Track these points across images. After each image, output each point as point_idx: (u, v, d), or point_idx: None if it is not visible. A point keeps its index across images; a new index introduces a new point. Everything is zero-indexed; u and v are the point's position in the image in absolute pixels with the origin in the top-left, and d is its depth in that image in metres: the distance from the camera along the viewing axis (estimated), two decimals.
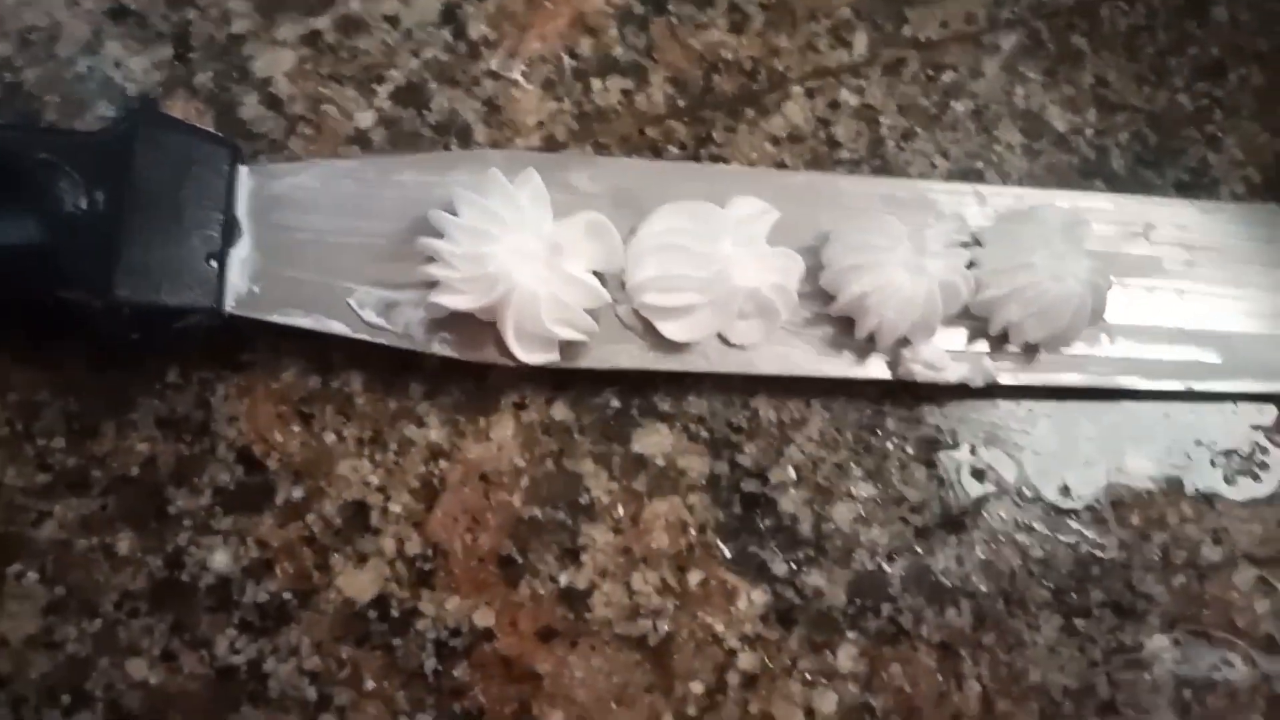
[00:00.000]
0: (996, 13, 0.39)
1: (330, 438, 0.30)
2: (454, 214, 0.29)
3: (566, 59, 0.36)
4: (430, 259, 0.29)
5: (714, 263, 0.30)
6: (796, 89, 0.36)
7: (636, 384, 0.32)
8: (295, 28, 0.35)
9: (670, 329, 0.30)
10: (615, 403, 0.32)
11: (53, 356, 0.30)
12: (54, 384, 0.30)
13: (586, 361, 0.30)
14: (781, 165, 0.35)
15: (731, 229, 0.31)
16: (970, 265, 0.32)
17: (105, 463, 0.29)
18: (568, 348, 0.30)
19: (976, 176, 0.36)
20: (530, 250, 0.29)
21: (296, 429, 0.30)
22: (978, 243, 0.33)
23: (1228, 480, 0.34)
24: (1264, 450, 0.34)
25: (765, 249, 0.31)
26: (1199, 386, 0.34)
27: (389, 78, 0.34)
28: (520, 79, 0.35)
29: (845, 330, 0.32)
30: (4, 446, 0.29)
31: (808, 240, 0.32)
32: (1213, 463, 0.34)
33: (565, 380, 0.31)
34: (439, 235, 0.29)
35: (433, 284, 0.29)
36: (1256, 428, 0.34)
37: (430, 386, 0.31)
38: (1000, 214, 0.34)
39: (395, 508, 0.30)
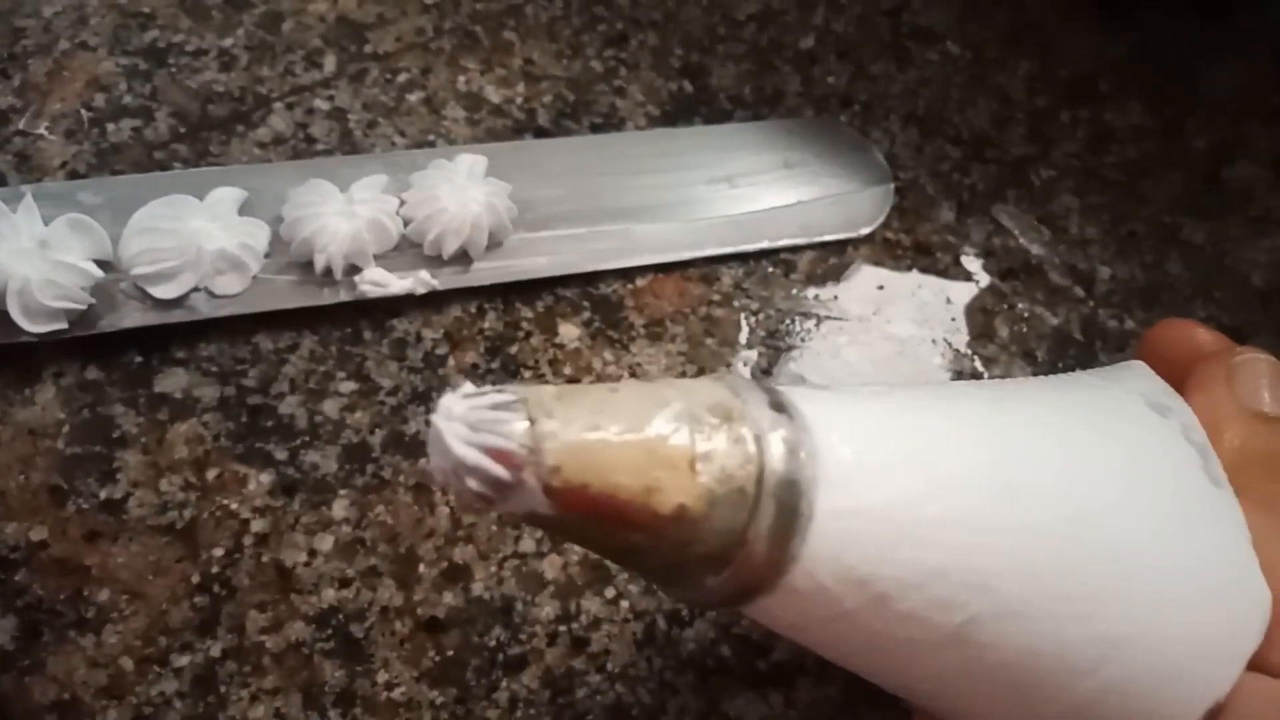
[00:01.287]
0: (440, 23, 0.50)
1: None
2: None
3: (84, 111, 0.45)
4: None
5: (186, 234, 0.40)
6: (279, 105, 0.47)
7: (154, 341, 0.41)
8: None
9: (160, 290, 0.40)
10: (138, 358, 0.41)
11: None
12: None
13: (99, 328, 0.39)
14: (268, 162, 0.45)
15: (202, 209, 0.41)
16: (401, 203, 0.43)
17: None
18: (82, 320, 0.39)
19: (430, 146, 0.47)
20: (22, 249, 0.38)
21: None
22: (409, 184, 0.43)
23: (642, 329, 0.45)
24: (670, 303, 0.46)
25: (234, 220, 0.41)
26: (607, 266, 0.45)
27: None
28: (45, 133, 0.44)
29: (308, 269, 0.42)
30: None
31: (279, 211, 0.42)
32: (628, 320, 0.45)
33: (94, 349, 0.40)
34: None
35: None
36: (661, 289, 0.46)
37: None
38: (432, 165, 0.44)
39: None
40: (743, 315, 0.46)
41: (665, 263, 0.46)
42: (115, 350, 0.40)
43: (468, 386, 0.20)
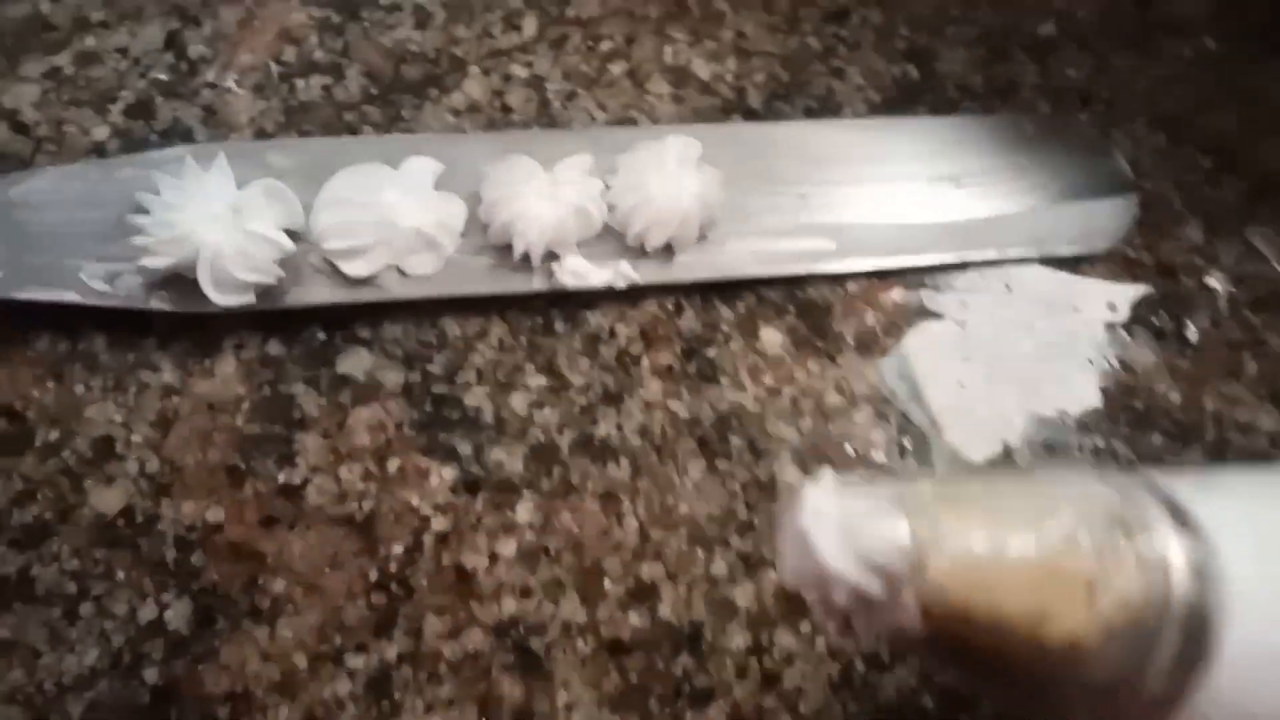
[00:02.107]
0: None
1: (80, 389, 0.37)
2: (158, 194, 0.36)
3: (273, 65, 0.43)
4: (137, 232, 0.36)
5: (381, 208, 0.37)
6: (474, 69, 0.44)
7: (338, 318, 0.38)
8: (38, 65, 0.41)
9: (350, 267, 0.37)
10: (321, 336, 0.38)
11: None
12: None
13: (285, 302, 0.37)
14: (461, 131, 0.42)
15: (398, 181, 0.38)
16: (606, 189, 0.39)
17: None
18: (268, 293, 0.37)
19: (631, 124, 0.43)
20: (216, 214, 0.35)
21: (51, 386, 0.37)
22: (613, 168, 0.40)
23: (851, 341, 0.41)
24: (878, 314, 0.41)
25: (430, 194, 0.38)
26: (816, 269, 0.41)
27: (121, 98, 0.41)
28: (234, 86, 0.42)
29: (505, 254, 0.39)
30: None
31: (475, 187, 0.39)
32: (836, 329, 0.41)
33: (276, 322, 0.38)
34: (145, 213, 0.36)
35: (142, 252, 0.36)
36: (872, 297, 0.42)
37: (162, 340, 0.37)
38: (634, 146, 0.41)
39: (136, 438, 0.36)
40: (962, 331, 0.41)
41: (874, 269, 0.41)
42: (298, 324, 0.38)
43: (830, 477, 0.16)
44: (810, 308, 0.41)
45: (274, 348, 0.38)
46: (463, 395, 0.38)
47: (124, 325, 0.37)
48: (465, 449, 0.37)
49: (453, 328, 0.39)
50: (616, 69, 0.44)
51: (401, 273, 0.38)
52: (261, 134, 0.41)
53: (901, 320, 0.41)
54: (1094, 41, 0.47)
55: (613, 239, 0.39)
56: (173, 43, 0.42)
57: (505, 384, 0.38)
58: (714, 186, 0.39)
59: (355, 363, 0.38)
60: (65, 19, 0.42)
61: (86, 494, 0.35)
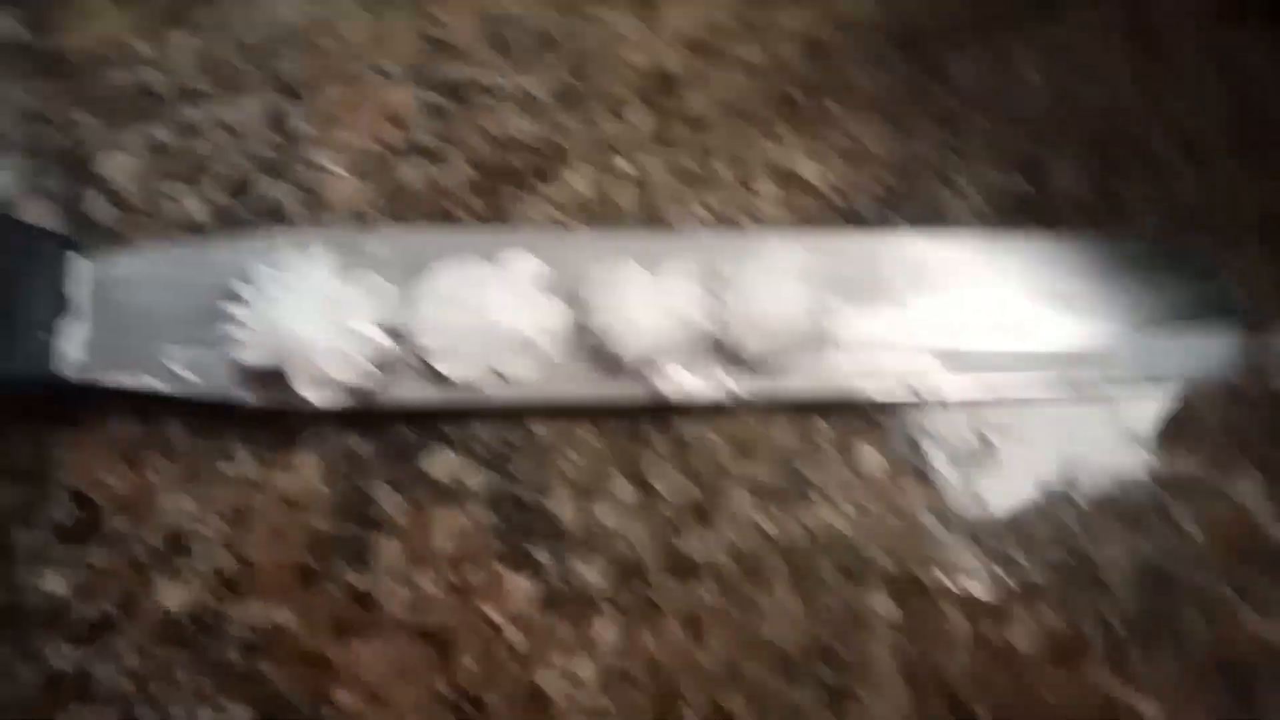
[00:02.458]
0: (761, 85, 0.45)
1: (154, 477, 0.35)
2: (251, 282, 0.35)
3: (375, 146, 0.42)
4: (229, 321, 0.34)
5: (482, 309, 0.36)
6: (579, 161, 0.42)
7: (424, 415, 0.37)
8: (137, 135, 0.41)
9: (447, 367, 0.36)
10: (405, 432, 0.37)
11: None
12: None
13: (376, 401, 0.36)
14: (563, 226, 0.41)
15: (499, 279, 0.36)
16: (711, 299, 0.37)
17: None
18: (357, 389, 0.35)
19: (736, 226, 0.42)
20: (313, 309, 0.34)
21: (124, 471, 0.35)
22: (723, 278, 0.38)
23: (955, 468, 0.39)
24: (986, 442, 0.39)
25: (531, 295, 0.37)
26: (922, 390, 0.39)
27: (219, 173, 0.40)
28: (333, 166, 0.41)
29: (603, 359, 0.37)
30: None
31: (574, 285, 0.38)
32: (940, 454, 0.39)
33: (361, 416, 0.36)
34: (239, 301, 0.35)
35: (233, 342, 0.34)
36: (979, 424, 0.39)
37: (242, 429, 0.36)
38: (744, 255, 0.39)
39: (208, 531, 0.35)
40: (1057, 461, 0.39)
41: (985, 395, 0.39)
42: (383, 418, 0.36)
43: None
44: (910, 427, 0.39)
45: (357, 443, 0.36)
46: (547, 502, 0.36)
47: (204, 411, 0.35)
48: (546, 559, 0.35)
49: (541, 430, 0.37)
50: (723, 167, 0.43)
51: (499, 375, 0.36)
52: (360, 218, 0.40)
53: (1002, 445, 0.39)
54: (1209, 155, 0.45)
55: (713, 348, 0.38)
56: (273, 117, 0.41)
57: (591, 492, 0.37)
58: (819, 298, 0.37)
59: (440, 463, 0.36)
60: (168, 87, 0.42)
61: (153, 588, 0.34)
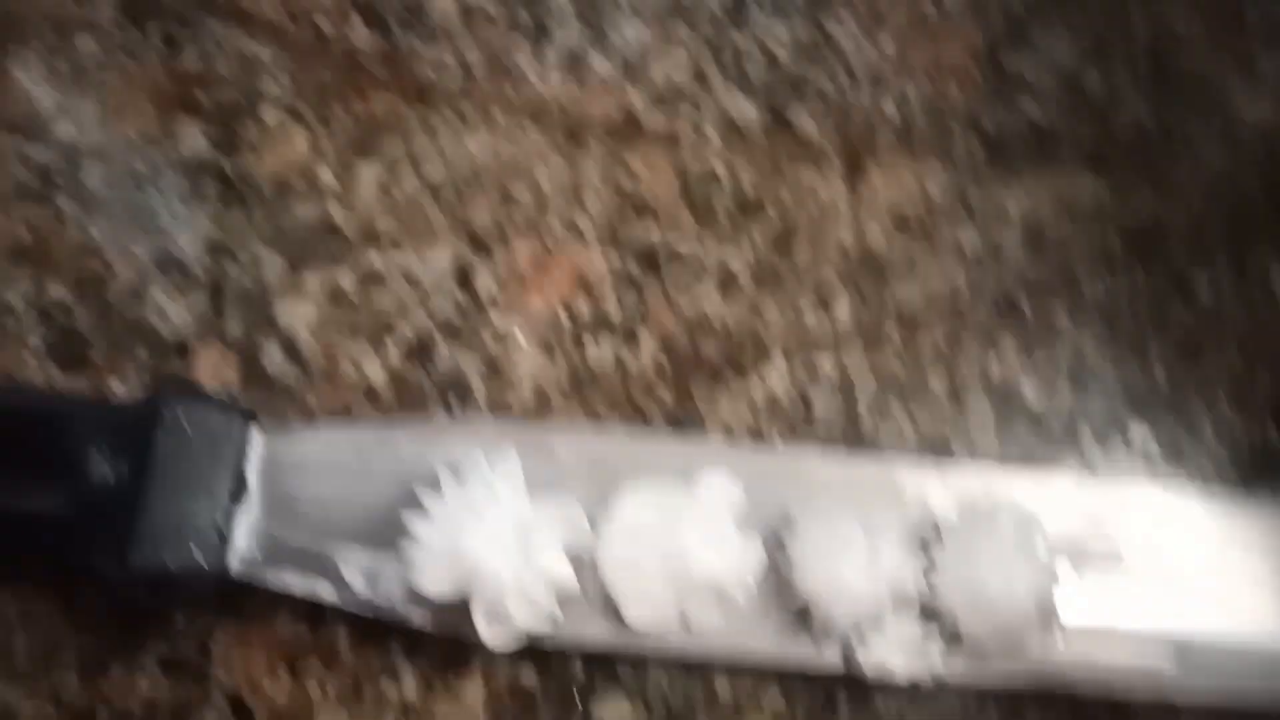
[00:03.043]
0: (980, 280, 0.41)
1: (314, 689, 0.33)
2: (437, 488, 0.32)
3: (563, 317, 0.38)
4: (410, 537, 0.32)
5: (677, 550, 0.32)
6: (778, 357, 0.39)
7: (602, 655, 0.34)
8: (319, 279, 0.38)
9: (634, 612, 0.33)
10: (579, 673, 0.34)
11: (72, 596, 0.33)
12: (72, 622, 0.33)
13: (555, 643, 0.33)
14: (758, 433, 0.37)
15: (695, 513, 0.33)
16: (927, 564, 0.34)
17: (110, 701, 0.32)
18: (537, 632, 0.32)
19: (945, 450, 0.38)
20: (502, 537, 0.31)
21: (284, 678, 0.33)
22: (937, 535, 0.35)
23: None
24: None
25: (729, 533, 0.34)
26: (1151, 693, 0.35)
27: (401, 332, 0.38)
28: (520, 337, 0.38)
29: (801, 620, 0.34)
30: (25, 681, 0.32)
31: (773, 521, 0.35)
32: None
33: (535, 647, 0.34)
34: (422, 510, 0.32)
35: (413, 565, 0.32)
36: None
37: (409, 645, 0.34)
38: (960, 504, 0.35)
39: None
40: None
41: (1227, 707, 0.35)
42: (557, 655, 0.34)
43: None
44: None
45: (527, 677, 0.34)
46: None
47: (371, 619, 0.33)
48: None
49: (724, 686, 0.34)
50: (936, 380, 0.39)
51: (684, 621, 0.33)
52: (543, 401, 0.37)
53: None
54: None
55: (925, 621, 0.34)
56: (463, 273, 0.39)
57: None
58: (1052, 574, 0.34)
59: (613, 712, 0.34)
60: (354, 228, 0.39)
61: None
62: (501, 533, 0.32)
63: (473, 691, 0.33)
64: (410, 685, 0.33)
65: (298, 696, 0.33)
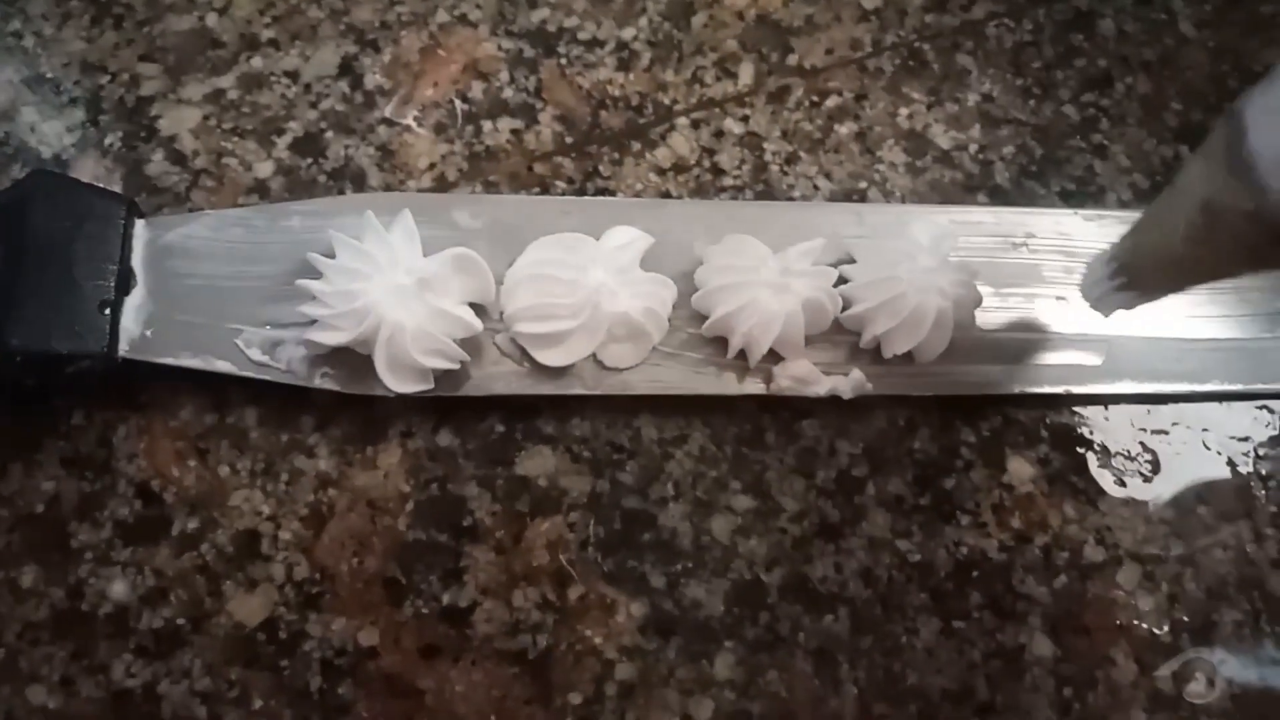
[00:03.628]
0: (881, 37, 0.40)
1: (225, 471, 0.32)
2: (332, 256, 0.31)
3: (458, 103, 0.37)
4: (309, 299, 0.30)
5: (584, 290, 0.31)
6: (682, 121, 0.38)
7: (521, 409, 0.33)
8: (200, 87, 0.37)
9: (545, 355, 0.32)
10: (500, 428, 0.33)
11: None
12: None
13: (466, 390, 0.32)
14: (666, 195, 0.36)
15: (603, 258, 0.32)
16: (840, 282, 0.33)
17: (12, 501, 0.31)
18: (446, 377, 0.31)
19: (860, 196, 0.37)
20: (400, 286, 0.30)
21: (193, 464, 0.32)
22: (852, 260, 0.34)
23: (1117, 482, 0.34)
24: (1149, 451, 0.35)
25: (638, 275, 0.32)
26: (1077, 390, 0.34)
27: (288, 129, 0.36)
28: (413, 124, 0.37)
29: (719, 349, 0.33)
30: None
31: (685, 266, 0.34)
32: (1099, 464, 0.34)
33: (451, 408, 0.33)
34: (318, 276, 0.31)
35: (312, 322, 0.30)
36: (1142, 429, 0.35)
37: (320, 419, 0.32)
38: (875, 232, 0.34)
39: (285, 535, 0.31)
40: (1250, 481, 0.34)
41: (1147, 393, 0.35)
42: (474, 413, 0.33)
43: None
44: (1067, 436, 0.35)
45: (445, 438, 0.32)
46: (657, 513, 0.32)
47: (279, 397, 0.32)
48: (658, 580, 0.32)
49: (649, 428, 0.33)
50: (844, 130, 0.38)
51: (599, 363, 0.32)
52: (442, 181, 0.36)
53: (1176, 461, 0.34)
54: None
55: (842, 339, 0.33)
56: (348, 69, 0.37)
57: (706, 503, 0.33)
58: (970, 284, 0.33)
59: (537, 464, 0.33)
60: (233, 35, 0.37)
61: (225, 599, 0.30)
62: (399, 282, 0.30)
63: (391, 457, 0.32)
64: (325, 458, 0.32)
65: (208, 479, 0.31)
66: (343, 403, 0.32)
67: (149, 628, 0.30)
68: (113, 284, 0.31)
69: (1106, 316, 0.32)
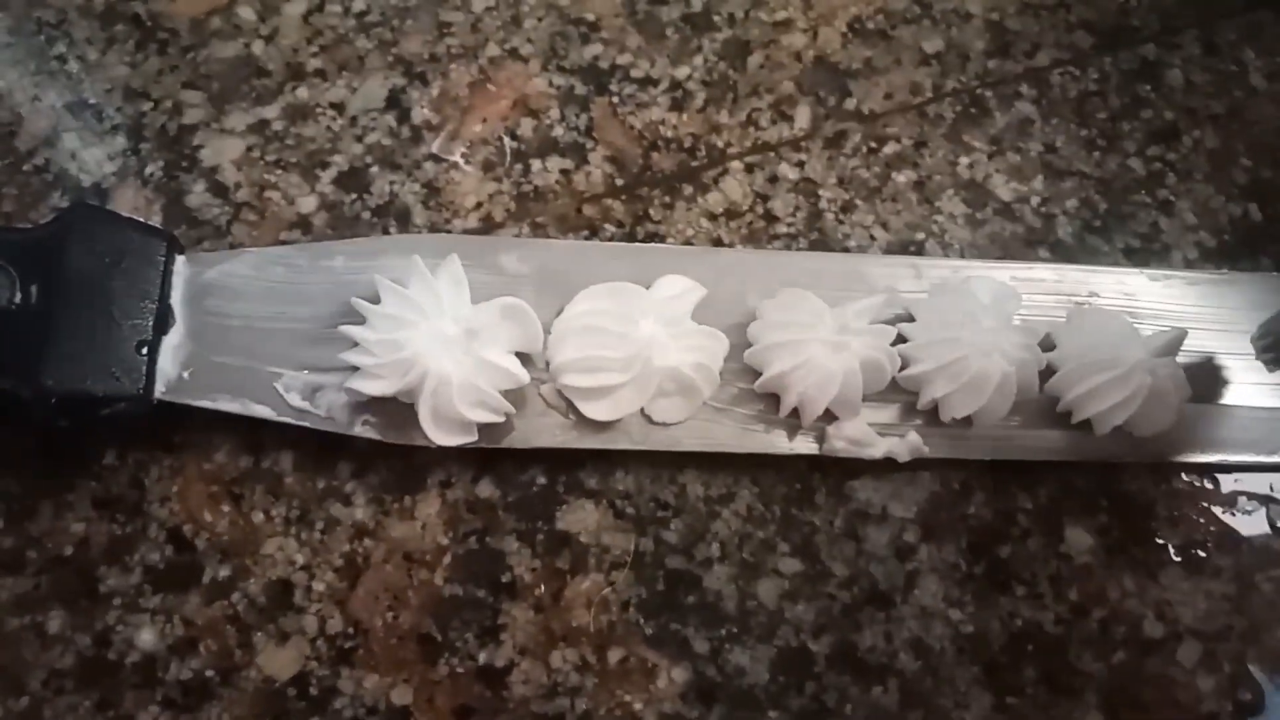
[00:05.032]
0: (942, 82, 0.39)
1: (259, 517, 0.31)
2: (376, 301, 0.30)
3: (507, 140, 0.36)
4: (351, 345, 0.30)
5: (634, 343, 0.30)
6: (735, 164, 0.37)
7: (563, 461, 0.32)
8: (244, 117, 0.36)
9: (592, 409, 0.31)
10: (541, 480, 0.32)
11: None
12: None
13: (509, 441, 0.31)
14: (718, 241, 0.35)
15: (654, 309, 0.31)
16: (899, 340, 0.32)
17: (41, 542, 0.30)
18: (490, 428, 0.30)
19: (917, 248, 0.36)
20: (446, 335, 0.29)
21: (226, 509, 0.31)
22: (910, 317, 0.33)
23: (1179, 554, 0.33)
24: (1211, 522, 0.33)
25: (689, 327, 0.31)
26: (1139, 458, 0.33)
27: (332, 163, 0.36)
28: (460, 161, 0.36)
29: (772, 407, 0.32)
30: None
31: (737, 317, 0.33)
32: (1158, 535, 0.33)
33: (492, 458, 0.32)
34: (361, 321, 0.30)
35: (354, 369, 0.29)
36: (1204, 500, 0.34)
37: (358, 466, 0.31)
38: (933, 288, 0.33)
39: (319, 586, 0.30)
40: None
41: (1212, 462, 0.33)
42: (515, 464, 0.32)
43: None
44: (1127, 504, 0.33)
45: (485, 488, 0.32)
46: (702, 574, 0.31)
47: (315, 441, 0.31)
48: (701, 645, 0.31)
49: (695, 485, 0.32)
50: (902, 178, 0.37)
51: (647, 418, 0.31)
52: (488, 221, 0.35)
53: (1240, 534, 0.33)
54: None
55: (897, 399, 0.32)
56: (395, 102, 0.36)
57: (752, 565, 0.31)
58: (1033, 350, 0.32)
59: (579, 518, 0.32)
60: (278, 64, 0.37)
61: (255, 651, 0.29)
62: (446, 330, 0.29)
63: (429, 508, 0.31)
64: (362, 506, 0.31)
65: (241, 526, 0.31)
66: (381, 449, 0.31)
67: (177, 679, 0.29)
68: (151, 323, 0.30)
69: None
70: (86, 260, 0.30)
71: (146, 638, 0.29)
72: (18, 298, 0.29)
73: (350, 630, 0.30)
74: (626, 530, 0.31)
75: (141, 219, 0.32)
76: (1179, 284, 0.36)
